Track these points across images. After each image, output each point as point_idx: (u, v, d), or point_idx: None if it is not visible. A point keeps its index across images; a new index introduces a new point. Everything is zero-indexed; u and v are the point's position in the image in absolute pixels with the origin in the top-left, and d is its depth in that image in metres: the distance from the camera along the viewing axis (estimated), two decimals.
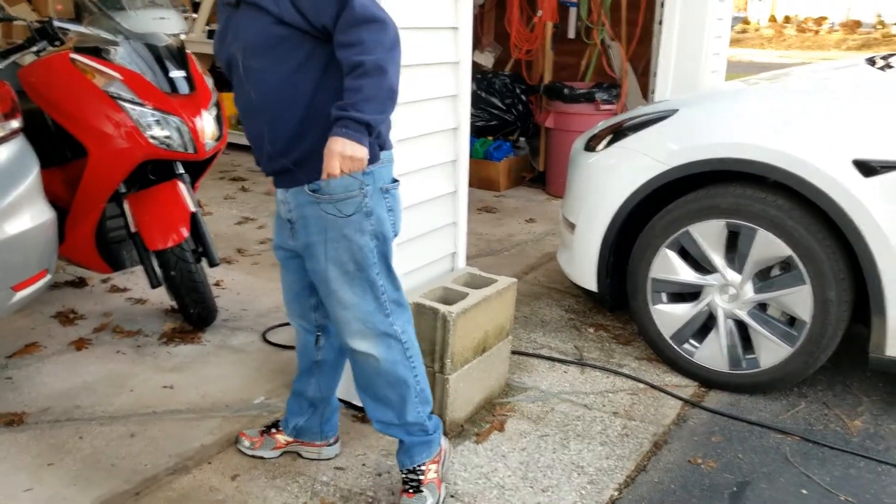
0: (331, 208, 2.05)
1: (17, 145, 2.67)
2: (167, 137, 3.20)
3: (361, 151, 1.93)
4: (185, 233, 3.27)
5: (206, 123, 3.33)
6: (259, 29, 1.97)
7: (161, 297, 3.77)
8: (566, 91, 5.88)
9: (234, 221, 5.14)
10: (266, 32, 1.97)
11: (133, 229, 3.31)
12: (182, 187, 3.37)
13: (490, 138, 6.40)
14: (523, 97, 6.42)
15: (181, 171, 3.40)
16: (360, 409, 2.75)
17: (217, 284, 3.98)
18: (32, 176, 2.66)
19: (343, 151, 1.91)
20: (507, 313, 2.99)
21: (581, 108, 5.87)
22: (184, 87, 3.33)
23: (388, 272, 2.17)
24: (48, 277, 2.75)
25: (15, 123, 2.64)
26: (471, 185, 6.31)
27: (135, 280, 4.00)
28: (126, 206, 3.32)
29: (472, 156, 6.42)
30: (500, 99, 6.39)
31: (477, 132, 6.38)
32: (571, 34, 6.53)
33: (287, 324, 3.55)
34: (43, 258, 2.69)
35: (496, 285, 2.90)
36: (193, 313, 3.40)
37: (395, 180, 2.15)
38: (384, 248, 2.15)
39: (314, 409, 2.50)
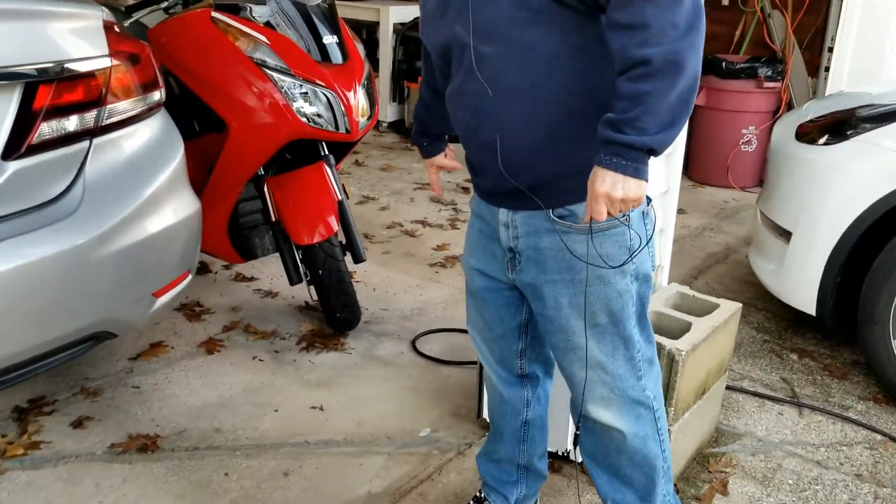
0: (582, 242, 1.54)
1: (160, 123, 2.24)
2: (317, 114, 2.74)
3: (638, 190, 1.37)
4: (335, 226, 2.82)
5: (360, 98, 2.86)
6: (500, 2, 1.46)
7: (292, 289, 3.34)
8: (724, 65, 5.21)
9: (354, 201, 4.69)
10: (511, 6, 1.44)
11: (274, 217, 2.88)
12: (328, 171, 2.92)
13: None
14: None
15: (326, 151, 2.94)
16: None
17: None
18: (177, 160, 2.22)
19: (611, 193, 1.36)
20: (729, 345, 2.45)
21: (740, 85, 5.20)
22: (337, 56, 2.85)
23: (643, 322, 1.66)
24: (189, 278, 2.33)
25: (157, 96, 2.20)
26: None
27: (261, 268, 3.60)
28: (266, 190, 2.89)
29: None
30: None
31: None
32: (725, 0, 5.82)
33: (437, 331, 3.09)
34: (186, 257, 2.27)
35: (720, 312, 2.36)
36: (340, 317, 2.97)
37: (649, 197, 1.61)
38: (644, 291, 1.63)
39: (526, 474, 2.01)
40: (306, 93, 2.73)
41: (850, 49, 4.87)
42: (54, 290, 1.85)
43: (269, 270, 3.59)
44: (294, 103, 2.71)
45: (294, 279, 2.92)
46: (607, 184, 1.37)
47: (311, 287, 2.98)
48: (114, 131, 2.05)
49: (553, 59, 1.46)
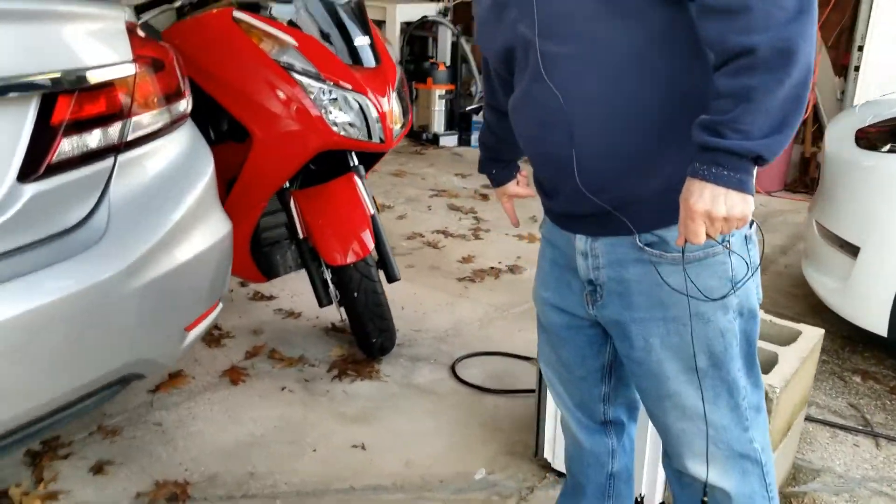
0: (680, 273, 1.31)
1: (187, 135, 2.00)
2: (349, 122, 2.51)
3: (744, 206, 1.15)
4: (371, 244, 2.59)
5: (394, 105, 2.63)
6: None
7: (315, 308, 3.11)
8: None
9: None
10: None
11: (301, 234, 2.65)
12: (360, 184, 2.69)
13: None
14: None
15: (356, 162, 2.72)
16: None
17: None
18: (208, 176, 1.99)
19: (713, 210, 1.14)
20: (811, 375, 2.24)
21: None
22: (369, 59, 2.62)
23: (750, 364, 1.43)
24: (220, 307, 2.10)
25: (183, 105, 1.97)
26: None
27: (280, 285, 3.36)
28: (293, 204, 2.66)
29: None
30: None
31: None
32: None
33: (476, 354, 2.87)
34: (218, 284, 2.04)
35: (805, 340, 2.15)
36: (375, 343, 2.74)
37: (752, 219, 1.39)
38: (751, 329, 1.41)
39: None
40: (337, 99, 2.50)
41: (883, 47, 4.70)
42: (79, 332, 1.61)
43: (288, 287, 3.35)
44: (324, 110, 2.47)
45: (324, 301, 2.69)
46: (706, 199, 1.14)
47: (341, 308, 2.75)
48: (140, 147, 1.81)
49: (636, 59, 1.24)
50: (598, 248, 1.39)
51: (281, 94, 2.46)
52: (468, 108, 6.16)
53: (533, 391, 2.62)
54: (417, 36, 6.23)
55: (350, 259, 2.53)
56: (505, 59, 1.40)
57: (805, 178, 5.36)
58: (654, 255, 1.33)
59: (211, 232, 1.96)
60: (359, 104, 2.53)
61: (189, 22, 2.60)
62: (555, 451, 2.21)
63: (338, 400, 2.58)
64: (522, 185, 1.78)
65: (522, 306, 3.32)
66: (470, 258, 3.81)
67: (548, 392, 2.24)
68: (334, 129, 2.48)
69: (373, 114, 2.54)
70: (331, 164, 2.73)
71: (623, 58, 1.24)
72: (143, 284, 1.72)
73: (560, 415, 1.74)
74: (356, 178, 2.69)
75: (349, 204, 2.65)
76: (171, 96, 1.91)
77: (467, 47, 6.27)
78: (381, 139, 2.57)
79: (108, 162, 1.73)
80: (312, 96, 2.46)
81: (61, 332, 1.58)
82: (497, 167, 1.76)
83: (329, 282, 2.68)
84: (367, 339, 2.72)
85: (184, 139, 1.98)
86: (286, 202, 2.67)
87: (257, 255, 2.85)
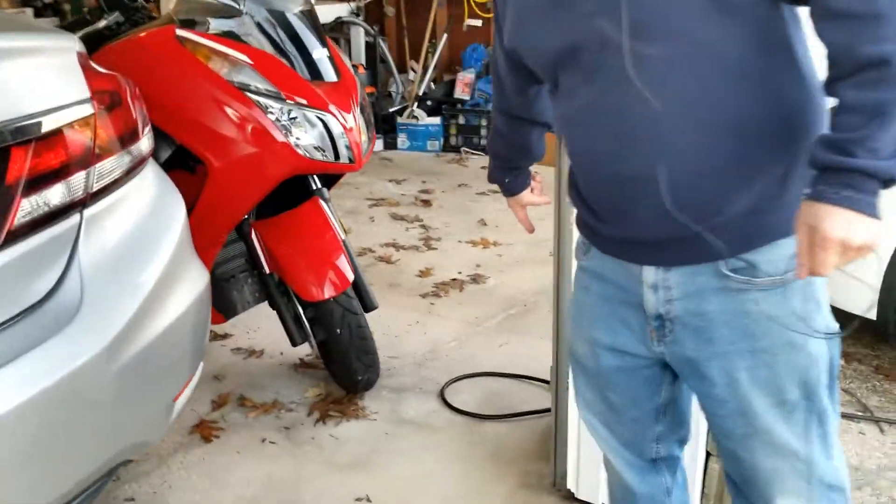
0: (769, 300, 1.19)
1: (152, 177, 1.74)
2: (316, 144, 2.29)
3: (877, 234, 1.02)
4: (350, 274, 2.38)
5: (360, 121, 2.42)
6: None
7: (277, 343, 2.87)
8: None
9: None
10: None
11: (266, 269, 2.41)
12: (326, 208, 2.47)
13: None
14: None
15: (319, 185, 2.50)
16: None
17: None
18: (181, 222, 1.74)
19: (849, 238, 1.00)
20: None
21: None
22: (329, 72, 2.41)
23: (833, 388, 1.32)
24: (201, 368, 1.85)
25: (145, 144, 1.71)
26: (552, 163, 5.54)
27: (233, 321, 3.07)
28: (254, 237, 2.41)
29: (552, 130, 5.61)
30: None
31: None
32: None
33: (462, 378, 2.71)
34: (200, 344, 1.79)
35: None
36: (361, 380, 2.53)
37: None
38: (836, 351, 1.30)
39: None
40: (300, 118, 2.27)
41: None
42: (56, 433, 1.34)
43: (242, 323, 3.08)
44: (287, 133, 2.24)
45: (297, 339, 2.46)
46: (841, 226, 1.01)
47: (313, 342, 2.52)
48: (105, 197, 1.55)
49: (737, 63, 1.11)
50: (671, 279, 1.24)
51: (237, 118, 2.22)
52: (391, 109, 5.96)
53: (535, 413, 2.49)
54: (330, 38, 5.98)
55: (329, 293, 2.31)
56: (557, 61, 1.21)
57: None
58: (741, 281, 1.20)
59: (191, 285, 1.72)
60: (323, 123, 2.31)
61: (123, 44, 2.32)
62: (578, 479, 2.07)
63: (326, 447, 2.36)
64: (538, 193, 1.68)
65: (496, 318, 3.17)
66: (428, 271, 3.63)
67: (566, 413, 2.10)
68: (300, 152, 2.25)
69: (339, 132, 2.32)
70: (288, 188, 2.50)
71: (725, 62, 1.10)
72: (131, 359, 1.47)
73: (604, 455, 1.59)
74: (321, 203, 2.47)
75: (318, 231, 2.43)
76: (131, 134, 1.65)
77: (385, 47, 6.06)
78: (349, 159, 2.36)
79: (74, 219, 1.47)
80: (273, 117, 2.23)
81: (40, 435, 1.31)
82: (510, 176, 1.63)
83: (302, 317, 2.46)
84: (351, 376, 2.51)
85: (150, 182, 1.72)
86: (246, 234, 2.42)
87: (213, 293, 2.58)
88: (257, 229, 2.42)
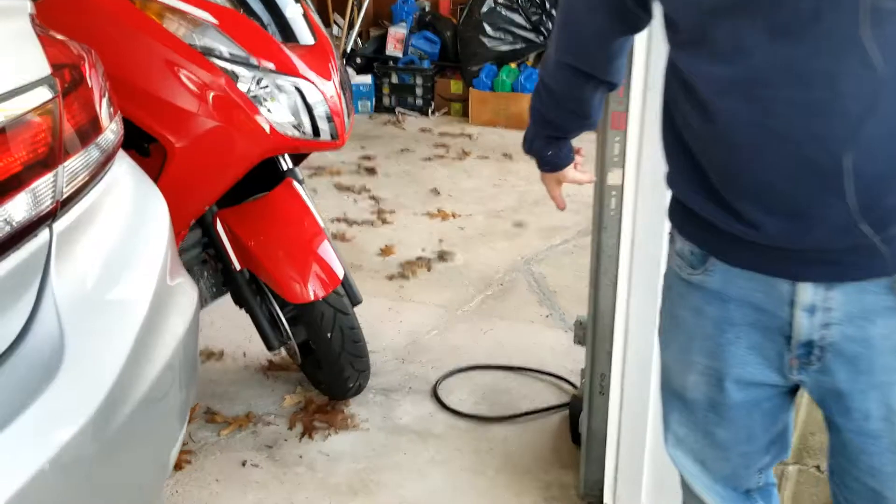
0: None
1: (126, 173, 1.39)
2: (295, 118, 1.95)
3: None
4: (340, 269, 2.07)
5: (341, 90, 2.09)
6: None
7: (239, 343, 2.55)
8: None
9: None
10: None
11: (237, 265, 2.07)
12: (302, 191, 2.15)
13: (514, 65, 5.26)
14: (553, 12, 5.30)
15: (290, 164, 2.17)
16: None
17: None
18: (166, 228, 1.39)
19: None
20: None
21: None
22: (305, 34, 2.07)
23: None
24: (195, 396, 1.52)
25: (113, 131, 1.35)
26: (497, 124, 5.29)
27: None
28: (220, 229, 2.07)
29: (496, 88, 5.34)
30: (523, 16, 5.23)
31: (498, 59, 5.23)
32: None
33: (453, 373, 2.46)
34: (194, 377, 1.46)
35: None
36: (353, 387, 2.23)
37: None
38: None
39: None
40: (276, 88, 1.93)
41: None
42: None
43: None
44: (262, 106, 1.90)
45: (274, 343, 2.15)
46: None
47: (295, 347, 2.21)
48: (76, 205, 1.20)
49: None
50: (834, 298, 1.02)
51: (201, 89, 1.85)
52: None
53: (542, 411, 2.27)
54: None
55: (319, 293, 2.00)
56: (725, 6, 0.92)
57: None
58: None
59: (184, 306, 1.38)
60: (301, 93, 1.97)
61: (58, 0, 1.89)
62: (616, 491, 1.87)
63: (319, 468, 2.07)
64: (580, 167, 1.46)
65: (473, 301, 2.93)
66: (389, 249, 3.33)
67: (602, 417, 1.89)
68: (277, 129, 1.91)
69: (319, 103, 1.99)
70: (253, 170, 2.15)
71: None
72: (119, 425, 1.13)
73: (692, 489, 1.38)
74: (296, 185, 2.15)
75: (296, 219, 2.10)
76: (96, 121, 1.29)
77: None
78: (332, 135, 2.03)
79: (42, 238, 1.11)
80: (245, 88, 1.87)
81: None
82: (554, 147, 1.39)
83: (281, 318, 2.14)
84: (343, 384, 2.21)
85: (124, 179, 1.36)
86: (209, 225, 2.07)
87: None
88: (223, 219, 2.07)
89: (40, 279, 1.11)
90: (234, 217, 2.08)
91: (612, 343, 1.80)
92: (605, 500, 1.88)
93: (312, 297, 1.99)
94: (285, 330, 2.15)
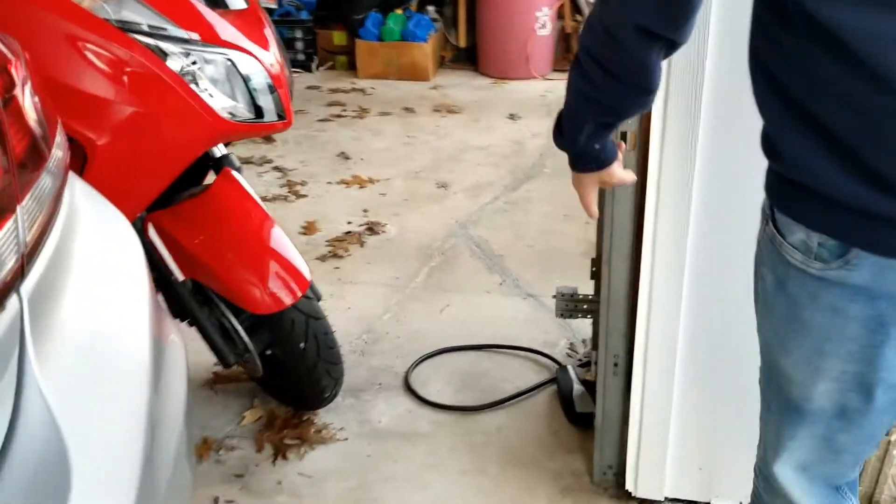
0: None
1: (83, 201, 1.08)
2: (234, 100, 1.65)
3: None
4: (306, 270, 1.80)
5: (281, 60, 1.80)
6: None
7: None
8: None
9: None
10: None
11: (179, 276, 1.77)
12: (242, 181, 1.85)
13: (400, 11, 4.96)
14: None
15: (223, 151, 1.86)
16: None
17: None
18: (143, 264, 1.10)
19: None
20: None
21: None
22: None
23: None
24: None
25: (59, 152, 1.02)
26: (388, 76, 4.99)
27: None
28: (153, 235, 1.75)
29: (384, 38, 5.01)
30: None
31: (383, 6, 4.92)
32: None
33: (422, 360, 2.27)
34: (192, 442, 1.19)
35: None
36: (328, 397, 1.98)
37: None
38: None
39: None
40: (203, 63, 1.61)
41: None
42: None
43: None
44: (199, 87, 1.59)
45: (230, 359, 1.86)
46: None
47: (257, 360, 1.93)
48: (40, 254, 0.89)
49: None
50: None
51: (124, 73, 1.52)
52: None
53: (529, 391, 2.12)
54: None
55: (286, 299, 1.73)
56: None
57: (569, 55, 5.23)
58: None
59: (178, 358, 1.10)
60: (238, 69, 1.66)
61: None
62: (638, 477, 1.75)
63: (304, 492, 1.83)
64: (620, 165, 1.25)
65: (419, 276, 2.72)
66: (312, 226, 3.04)
67: (616, 401, 1.76)
68: (221, 113, 1.61)
69: (259, 78, 1.69)
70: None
71: None
72: None
73: (757, 495, 1.26)
74: (235, 175, 1.84)
75: (245, 216, 1.81)
76: (44, 138, 0.97)
77: None
78: (278, 114, 1.73)
79: (11, 309, 0.81)
80: (177, 67, 1.55)
81: None
82: (603, 139, 1.18)
83: (238, 329, 1.85)
84: (318, 395, 1.96)
85: (82, 206, 1.05)
86: (139, 232, 1.73)
87: None
88: (155, 223, 1.75)
89: (17, 365, 0.81)
90: (170, 219, 1.76)
91: (629, 323, 1.66)
92: (626, 486, 1.77)
93: (280, 306, 1.72)
94: (242, 341, 1.87)
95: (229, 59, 1.65)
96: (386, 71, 4.85)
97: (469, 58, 5.18)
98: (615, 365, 1.72)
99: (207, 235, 1.75)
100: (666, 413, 1.66)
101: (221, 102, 1.61)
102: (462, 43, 5.18)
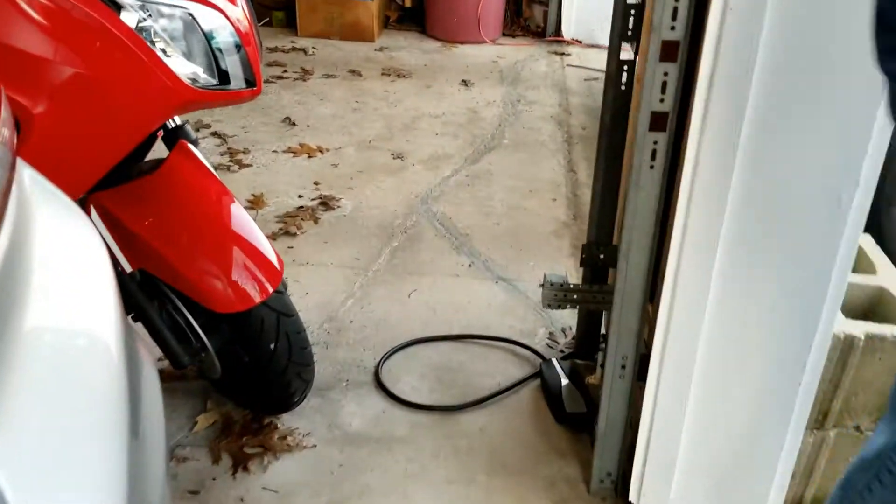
0: None
1: (37, 197, 0.83)
2: (195, 62, 1.40)
3: None
4: (276, 260, 1.57)
5: (249, 16, 1.54)
6: None
7: None
8: None
9: None
10: None
11: (127, 268, 1.52)
12: (201, 158, 1.60)
13: None
14: None
15: (178, 121, 1.61)
16: None
17: None
18: (112, 289, 0.86)
19: None
20: None
21: None
22: None
23: None
24: None
25: (6, 130, 0.78)
26: (330, 35, 4.68)
27: None
28: (96, 218, 1.49)
29: None
30: None
31: None
32: None
33: (393, 352, 2.07)
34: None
35: None
36: (297, 400, 1.77)
37: None
38: None
39: None
40: (163, 19, 1.36)
41: None
42: None
43: None
44: (157, 47, 1.33)
45: (184, 359, 1.62)
46: None
47: (215, 361, 1.70)
48: None
49: None
50: None
51: (69, 28, 1.25)
52: None
53: (512, 388, 1.96)
54: None
55: (255, 296, 1.50)
56: None
57: (520, 19, 5.02)
58: None
59: (155, 399, 0.88)
60: (199, 24, 1.41)
61: None
62: (642, 487, 1.61)
63: None
64: None
65: (381, 257, 2.51)
66: (260, 200, 2.78)
67: (620, 406, 1.61)
68: (183, 78, 1.35)
69: (226, 38, 1.44)
70: None
71: None
72: None
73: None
74: (191, 149, 1.59)
75: (205, 197, 1.56)
76: None
77: None
78: (248, 80, 1.49)
79: None
80: (132, 22, 1.29)
81: None
82: None
83: (193, 324, 1.61)
84: (286, 398, 1.74)
85: (36, 199, 0.81)
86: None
87: None
88: (99, 205, 1.49)
89: None
90: (115, 201, 1.50)
91: (643, 322, 1.50)
92: (629, 496, 1.62)
93: (249, 304, 1.49)
94: (199, 339, 1.63)
95: (189, 14, 1.40)
96: (327, 30, 4.56)
97: (415, 19, 4.92)
98: (622, 367, 1.57)
99: (160, 218, 1.50)
100: (679, 419, 1.52)
101: (182, 65, 1.36)
102: (408, 2, 4.91)
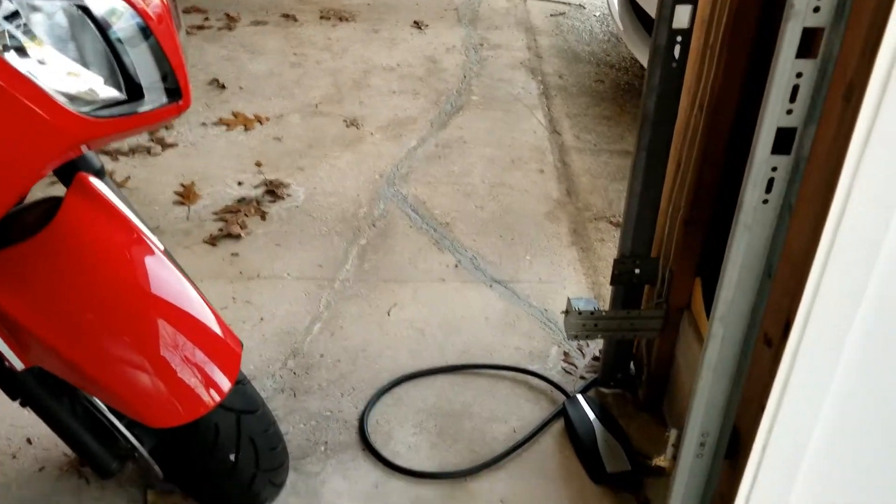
0: None
1: None
2: (90, 77, 0.93)
3: None
4: (236, 343, 1.13)
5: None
6: None
7: (26, 430, 1.53)
8: None
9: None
10: None
11: (19, 365, 1.07)
12: (110, 195, 1.14)
13: None
14: None
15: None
16: None
17: None
18: None
19: None
20: None
21: None
22: None
23: None
24: None
25: None
26: None
27: None
28: None
29: None
30: None
31: None
32: None
33: (378, 397, 1.68)
34: None
35: None
36: (268, 499, 1.35)
37: None
38: None
39: None
40: (34, 13, 0.88)
41: None
42: None
43: None
44: (28, 62, 0.86)
45: (112, 466, 1.19)
46: None
47: (156, 468, 1.27)
48: None
49: None
50: None
51: None
52: None
53: (532, 437, 1.57)
54: None
55: (207, 400, 1.06)
56: None
57: None
58: None
59: None
60: (93, 18, 0.93)
61: None
62: None
63: None
64: None
65: (348, 262, 2.07)
66: (190, 191, 2.29)
67: (682, 490, 1.25)
68: (70, 106, 0.89)
69: (128, 23, 0.97)
70: None
71: None
72: None
73: None
74: (95, 184, 1.13)
75: (118, 258, 1.10)
76: None
77: None
78: (172, 92, 1.02)
79: None
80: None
81: None
82: None
83: (115, 424, 1.18)
84: (251, 499, 1.32)
85: None
86: None
87: None
88: None
89: None
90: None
91: (734, 395, 1.13)
92: None
93: (194, 413, 1.06)
94: (126, 440, 1.20)
95: (77, 5, 0.92)
96: None
97: None
98: (701, 444, 1.21)
99: (53, 300, 1.04)
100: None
101: (70, 82, 0.89)
102: None
